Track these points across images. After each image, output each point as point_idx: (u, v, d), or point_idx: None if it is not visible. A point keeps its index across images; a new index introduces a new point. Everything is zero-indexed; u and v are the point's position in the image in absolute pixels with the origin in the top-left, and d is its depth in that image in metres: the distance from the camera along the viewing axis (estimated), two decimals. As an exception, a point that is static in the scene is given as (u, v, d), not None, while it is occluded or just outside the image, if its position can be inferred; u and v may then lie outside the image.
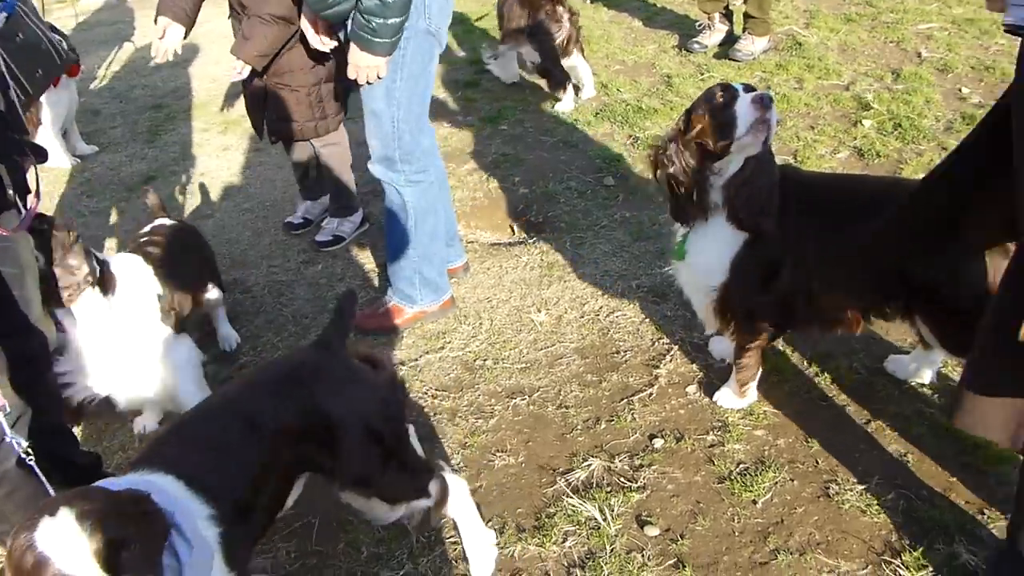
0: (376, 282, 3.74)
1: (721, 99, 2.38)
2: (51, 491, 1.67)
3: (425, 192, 3.12)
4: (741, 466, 2.56)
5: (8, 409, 1.75)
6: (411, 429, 2.26)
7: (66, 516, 1.39)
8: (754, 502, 2.43)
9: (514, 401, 2.91)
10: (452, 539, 2.41)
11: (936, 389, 2.75)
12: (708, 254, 2.57)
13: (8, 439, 1.71)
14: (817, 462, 2.55)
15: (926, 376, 2.77)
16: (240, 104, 5.66)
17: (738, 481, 2.50)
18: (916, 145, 4.26)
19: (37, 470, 1.70)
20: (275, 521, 2.12)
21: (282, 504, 2.07)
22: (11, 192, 2.03)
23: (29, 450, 1.72)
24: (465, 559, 2.33)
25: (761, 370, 2.72)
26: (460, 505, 2.27)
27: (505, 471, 2.64)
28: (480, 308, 3.45)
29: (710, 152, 2.40)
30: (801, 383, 2.85)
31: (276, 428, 1.90)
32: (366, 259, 3.91)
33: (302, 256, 4.00)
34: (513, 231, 3.98)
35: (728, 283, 2.56)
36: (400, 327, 3.34)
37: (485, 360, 3.14)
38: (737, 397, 2.75)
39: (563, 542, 2.37)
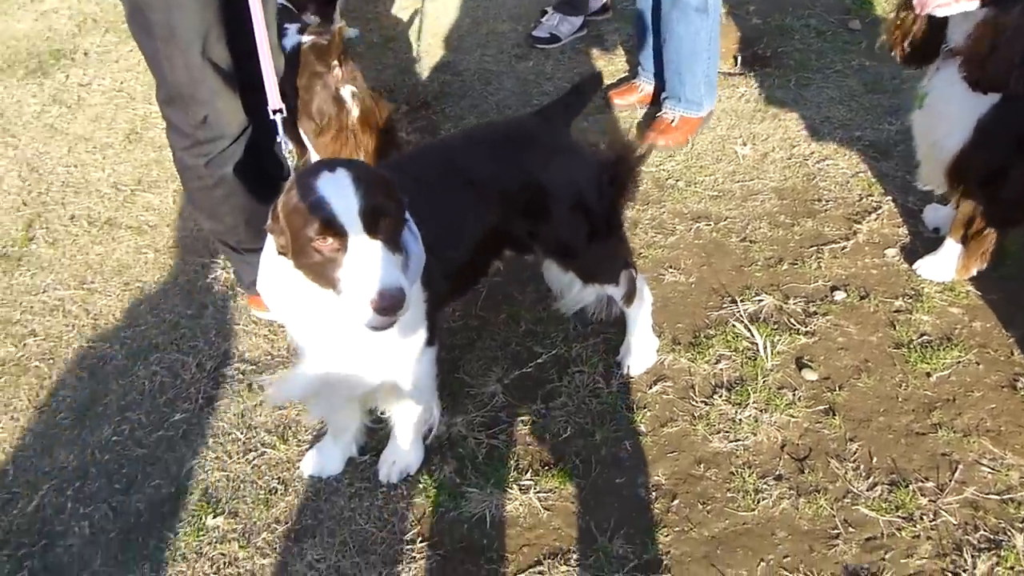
0: (583, 87, 3.67)
1: None
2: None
3: None
4: (924, 337, 2.40)
5: (285, 112, 1.92)
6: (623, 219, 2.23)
7: (344, 174, 1.51)
8: (928, 375, 2.29)
9: (698, 225, 2.85)
10: (606, 334, 2.46)
11: None
12: (951, 106, 2.29)
13: (278, 139, 1.89)
14: (1012, 353, 2.33)
15: None
16: None
17: (917, 351, 2.35)
18: None
19: (292, 172, 1.88)
20: (471, 286, 2.21)
21: (482, 271, 2.13)
22: None
23: (292, 152, 1.89)
24: (615, 353, 2.39)
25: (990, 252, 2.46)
26: (640, 304, 2.30)
27: (674, 287, 2.62)
28: (683, 131, 3.33)
29: None
30: (1020, 269, 2.57)
31: (489, 186, 1.95)
32: (577, 63, 3.83)
33: (515, 50, 3.97)
34: (736, 61, 3.73)
35: (969, 143, 2.29)
36: (688, 139, 3.23)
37: (677, 181, 3.06)
38: (944, 270, 2.53)
39: (715, 363, 2.36)
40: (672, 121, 3.23)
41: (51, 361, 2.58)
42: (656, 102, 3.40)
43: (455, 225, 1.91)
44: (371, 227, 1.50)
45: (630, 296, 2.25)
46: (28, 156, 3.49)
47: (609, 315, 2.34)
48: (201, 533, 2.07)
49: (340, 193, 1.49)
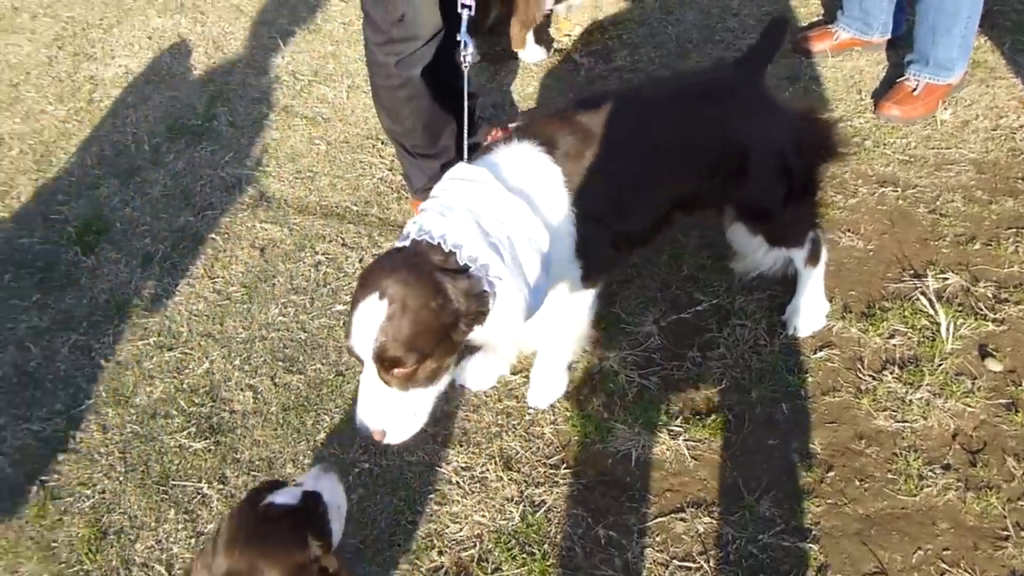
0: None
1: None
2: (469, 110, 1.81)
3: None
4: None
5: (473, 11, 1.89)
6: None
7: (383, 308, 1.49)
8: None
9: (883, 189, 2.67)
10: (772, 291, 2.37)
11: None
12: None
13: (459, 36, 1.88)
14: None
15: None
16: None
17: (1118, 359, 2.16)
18: None
19: (466, 75, 1.88)
20: (651, 241, 2.09)
21: (660, 230, 2.01)
22: None
23: (474, 54, 1.89)
24: (779, 311, 2.29)
25: None
26: (817, 268, 2.20)
27: (849, 252, 2.48)
28: (876, 87, 3.09)
29: None
30: None
31: (680, 148, 1.84)
32: (764, 1, 3.60)
33: (702, -20, 3.77)
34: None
35: None
36: (929, 112, 2.88)
37: (865, 139, 2.86)
38: None
39: (889, 338, 2.24)
40: (914, 89, 2.88)
41: (226, 235, 2.70)
42: (849, 50, 3.18)
43: (633, 190, 1.84)
44: (384, 369, 1.52)
45: (812, 258, 2.15)
46: (214, 34, 3.60)
47: (779, 273, 2.25)
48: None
49: (365, 328, 1.50)
